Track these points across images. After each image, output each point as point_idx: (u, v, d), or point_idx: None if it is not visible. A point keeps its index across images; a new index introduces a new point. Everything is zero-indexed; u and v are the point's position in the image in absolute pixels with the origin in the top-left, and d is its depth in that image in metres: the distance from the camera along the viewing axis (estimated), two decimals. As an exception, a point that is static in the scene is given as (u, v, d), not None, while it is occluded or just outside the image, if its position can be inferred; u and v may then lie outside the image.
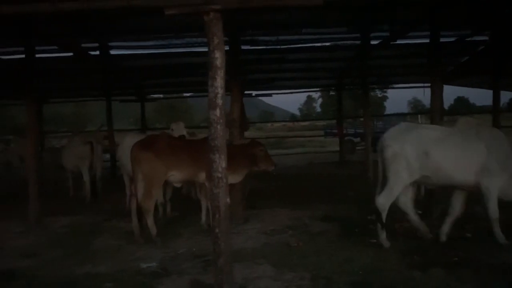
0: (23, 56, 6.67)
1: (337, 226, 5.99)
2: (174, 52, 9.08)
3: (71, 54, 7.99)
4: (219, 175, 3.67)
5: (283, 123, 41.73)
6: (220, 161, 3.68)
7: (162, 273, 4.36)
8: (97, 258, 4.96)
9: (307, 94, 61.63)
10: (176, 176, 5.81)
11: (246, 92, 10.80)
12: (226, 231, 3.66)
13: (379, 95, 38.79)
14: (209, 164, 3.71)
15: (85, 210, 7.58)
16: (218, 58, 3.62)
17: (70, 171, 9.02)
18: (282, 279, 4.15)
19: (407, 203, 5.10)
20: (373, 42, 8.99)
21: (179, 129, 7.25)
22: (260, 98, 14.79)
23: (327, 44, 9.48)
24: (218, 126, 3.68)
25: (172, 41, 8.72)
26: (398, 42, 8.52)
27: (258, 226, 6.13)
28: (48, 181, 9.48)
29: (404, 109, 51.84)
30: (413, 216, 5.13)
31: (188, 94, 18.77)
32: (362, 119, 17.41)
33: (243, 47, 7.89)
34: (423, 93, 11.57)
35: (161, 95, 18.58)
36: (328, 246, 5.10)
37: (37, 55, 6.84)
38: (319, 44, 9.07)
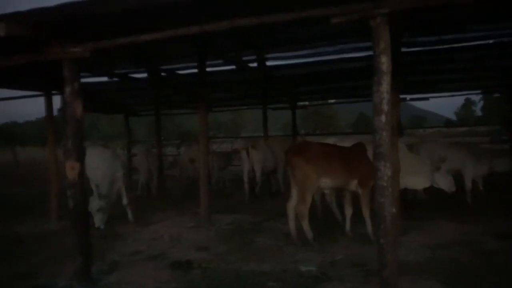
0: (196, 70, 7.53)
1: (518, 245, 5.29)
2: (326, 60, 9.13)
3: (233, 67, 8.70)
4: (384, 183, 3.58)
5: (437, 128, 38.55)
6: (386, 170, 3.58)
7: (322, 278, 4.41)
8: (260, 256, 5.25)
9: (464, 97, 56.05)
10: (327, 183, 5.83)
11: (400, 96, 10.25)
12: (392, 242, 3.54)
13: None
14: (374, 173, 3.64)
15: (245, 210, 8.13)
16: (385, 63, 3.54)
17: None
18: (453, 298, 3.83)
19: None
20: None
21: None
22: (410, 102, 13.83)
23: (492, 41, 8.37)
24: (384, 133, 3.59)
25: (325, 48, 8.78)
26: None
27: (419, 238, 5.77)
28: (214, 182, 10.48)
29: None
30: None
31: (332, 101, 18.61)
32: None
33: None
34: None
35: (307, 102, 18.89)
36: (509, 268, 4.53)
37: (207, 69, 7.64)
38: (491, 41, 8.08)
